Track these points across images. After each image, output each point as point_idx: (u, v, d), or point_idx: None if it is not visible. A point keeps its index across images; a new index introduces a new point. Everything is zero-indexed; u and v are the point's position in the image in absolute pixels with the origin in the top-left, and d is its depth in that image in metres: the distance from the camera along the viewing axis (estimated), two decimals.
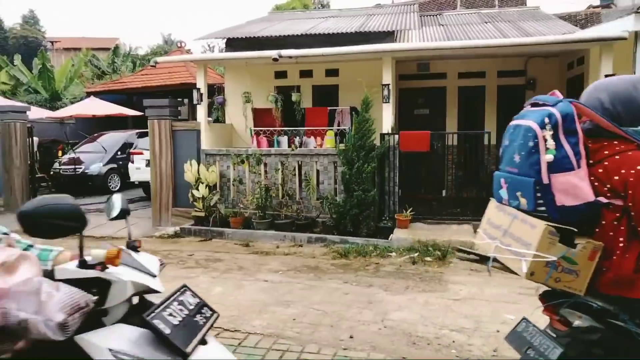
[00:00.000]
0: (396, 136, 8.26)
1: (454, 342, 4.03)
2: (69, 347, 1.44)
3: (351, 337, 4.14)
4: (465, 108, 10.94)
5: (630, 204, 1.63)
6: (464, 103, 10.93)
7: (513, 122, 1.91)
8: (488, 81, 10.75)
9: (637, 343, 1.60)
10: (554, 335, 1.81)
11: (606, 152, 1.71)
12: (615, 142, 1.71)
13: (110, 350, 1.48)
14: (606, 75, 7.58)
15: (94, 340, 1.49)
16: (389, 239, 7.40)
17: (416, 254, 6.77)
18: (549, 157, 1.66)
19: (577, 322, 1.74)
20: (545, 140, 1.67)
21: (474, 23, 12.38)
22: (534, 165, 1.70)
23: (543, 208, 1.71)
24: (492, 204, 2.14)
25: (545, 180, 1.68)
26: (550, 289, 1.83)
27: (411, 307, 4.85)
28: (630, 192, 1.62)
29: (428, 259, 6.62)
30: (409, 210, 7.89)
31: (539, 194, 1.70)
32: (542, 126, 1.68)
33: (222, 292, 5.39)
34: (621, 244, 1.66)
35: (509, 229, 1.89)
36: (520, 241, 1.79)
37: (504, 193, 1.92)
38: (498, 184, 1.99)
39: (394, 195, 8.27)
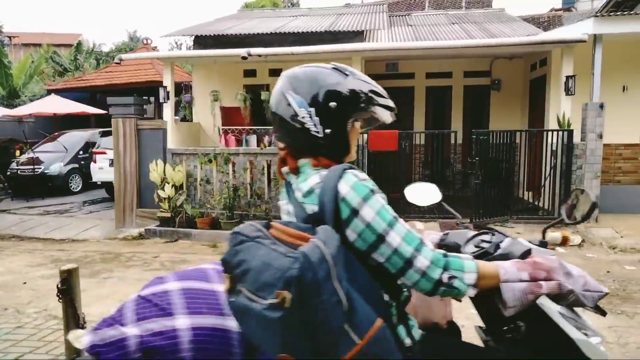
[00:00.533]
0: (365, 135, 8.29)
1: None
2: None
3: None
4: (432, 107, 11.09)
5: None
6: (431, 102, 11.08)
7: None
8: (455, 81, 10.93)
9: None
10: None
11: None
12: None
13: (560, 312, 1.53)
14: (568, 77, 7.82)
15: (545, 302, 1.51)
16: None
17: None
18: None
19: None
20: None
21: (442, 24, 12.57)
22: None
23: None
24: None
25: None
26: None
27: None
28: None
29: None
30: None
31: None
32: None
33: None
34: None
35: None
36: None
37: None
38: None
39: None
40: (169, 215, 8.40)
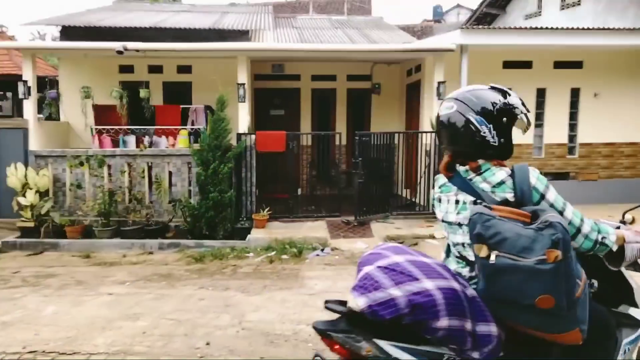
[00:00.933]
0: (253, 136, 8.20)
1: (310, 336, 4.08)
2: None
3: (207, 343, 3.95)
4: (318, 109, 11.34)
5: None
6: (317, 104, 11.32)
7: None
8: (339, 84, 11.30)
9: None
10: None
11: None
12: None
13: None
14: (439, 82, 8.49)
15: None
16: (247, 239, 7.30)
17: (273, 253, 6.78)
18: None
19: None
20: None
21: (326, 28, 12.92)
22: None
23: None
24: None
25: None
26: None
27: (269, 306, 4.81)
28: None
29: (285, 256, 6.67)
30: (266, 210, 7.89)
31: None
32: None
33: (56, 311, 4.74)
34: None
35: None
36: None
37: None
38: None
39: (251, 196, 8.20)
40: (32, 224, 7.50)
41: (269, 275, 5.88)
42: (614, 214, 8.05)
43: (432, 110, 8.65)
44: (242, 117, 8.37)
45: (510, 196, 1.80)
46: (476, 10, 16.29)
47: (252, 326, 4.31)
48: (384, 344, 1.68)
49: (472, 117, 1.85)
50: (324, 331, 1.75)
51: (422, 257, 1.86)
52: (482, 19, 15.97)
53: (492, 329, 1.73)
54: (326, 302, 1.90)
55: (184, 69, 10.37)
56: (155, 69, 10.28)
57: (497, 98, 1.89)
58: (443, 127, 1.92)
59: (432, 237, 7.51)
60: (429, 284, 1.69)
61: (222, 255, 6.71)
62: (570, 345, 1.74)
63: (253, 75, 10.58)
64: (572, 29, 8.62)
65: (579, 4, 12.59)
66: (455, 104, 1.90)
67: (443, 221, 2.03)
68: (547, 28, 8.63)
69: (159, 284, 5.59)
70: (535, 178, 1.81)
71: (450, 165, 1.97)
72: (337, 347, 1.73)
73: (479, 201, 1.84)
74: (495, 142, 1.86)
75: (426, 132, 8.56)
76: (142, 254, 7.02)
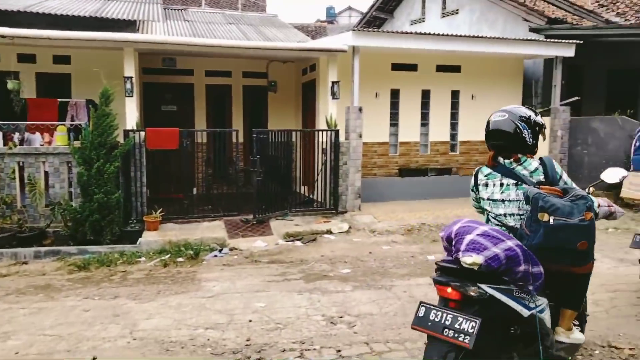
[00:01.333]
0: (142, 133, 7.72)
1: (208, 340, 3.95)
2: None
3: (94, 358, 3.63)
4: (214, 106, 11.03)
5: None
6: (212, 101, 11.00)
7: None
8: (234, 80, 11.09)
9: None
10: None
11: None
12: None
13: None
14: (333, 82, 8.70)
15: None
16: (138, 243, 6.87)
17: (168, 256, 6.46)
18: None
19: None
20: None
21: (219, 23, 12.60)
22: None
23: None
24: (631, 176, 4.39)
25: None
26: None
27: (163, 312, 4.57)
28: None
29: (180, 259, 6.39)
30: (159, 211, 7.49)
31: None
32: None
33: None
34: None
35: None
36: None
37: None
38: (638, 163, 4.54)
39: (142, 196, 7.73)
40: None
41: (163, 280, 5.59)
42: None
43: (327, 109, 8.85)
44: (129, 113, 7.84)
45: (542, 178, 2.79)
46: (366, 14, 17.00)
47: (145, 335, 4.06)
48: (484, 286, 2.50)
49: (519, 123, 2.78)
50: (445, 282, 2.58)
51: (494, 227, 2.69)
52: (372, 22, 16.72)
53: (541, 269, 2.57)
54: (437, 263, 2.71)
55: (62, 59, 9.44)
56: (27, 58, 9.22)
57: (532, 114, 2.84)
58: (496, 129, 2.84)
59: (330, 232, 7.69)
60: (511, 243, 2.51)
61: (110, 262, 6.24)
62: (582, 274, 2.90)
63: (141, 69, 9.98)
64: (452, 35, 9.36)
65: (457, 13, 13.71)
66: (506, 114, 2.81)
67: (488, 199, 2.93)
68: (430, 34, 9.26)
69: (36, 297, 5.03)
70: (558, 166, 2.88)
71: (495, 158, 2.92)
72: (451, 290, 2.54)
73: (519, 183, 2.80)
74: (530, 142, 2.82)
75: (323, 131, 8.73)
76: (13, 264, 6.26)
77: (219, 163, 9.06)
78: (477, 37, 9.66)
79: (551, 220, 2.51)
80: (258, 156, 7.89)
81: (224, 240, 7.14)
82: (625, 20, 12.40)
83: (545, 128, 2.90)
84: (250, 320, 4.33)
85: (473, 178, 3.08)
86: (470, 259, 2.44)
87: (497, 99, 10.82)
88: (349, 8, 30.14)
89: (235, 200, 8.41)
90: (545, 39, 10.27)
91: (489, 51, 9.61)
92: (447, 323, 2.46)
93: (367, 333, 4.05)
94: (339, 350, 3.74)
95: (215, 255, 6.59)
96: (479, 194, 3.01)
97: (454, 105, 10.58)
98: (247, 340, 3.93)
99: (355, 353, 3.70)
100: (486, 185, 2.92)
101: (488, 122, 2.89)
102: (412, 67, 10.12)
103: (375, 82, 9.77)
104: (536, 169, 2.81)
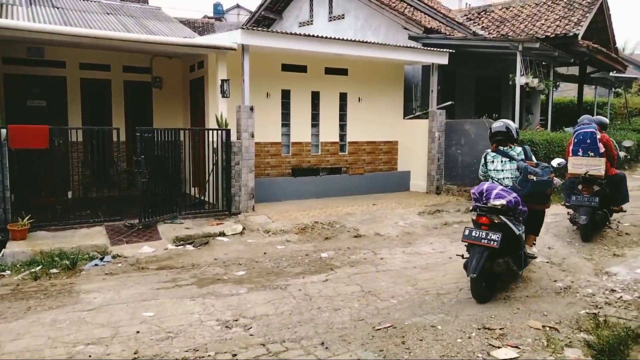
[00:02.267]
0: (4, 130, 6.82)
1: (90, 356, 3.61)
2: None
3: None
4: (90, 102, 10.13)
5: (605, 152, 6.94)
6: (88, 96, 10.10)
7: (579, 130, 7.07)
8: (114, 75, 10.30)
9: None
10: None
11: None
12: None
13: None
14: (223, 80, 8.49)
15: None
16: (1, 255, 6.06)
17: (38, 268, 5.79)
18: (601, 145, 6.91)
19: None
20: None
21: (95, 12, 11.64)
22: (596, 144, 6.87)
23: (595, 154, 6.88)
24: (572, 159, 7.02)
25: (601, 149, 6.88)
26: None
27: (35, 330, 4.07)
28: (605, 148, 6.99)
29: (54, 270, 5.77)
30: (27, 218, 6.68)
31: (596, 152, 6.89)
32: (595, 131, 6.96)
33: None
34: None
35: (588, 163, 6.90)
36: (595, 164, 6.87)
37: (581, 153, 6.95)
38: (576, 152, 6.98)
39: (5, 202, 6.83)
40: None
41: (34, 295, 4.99)
42: (377, 202, 9.32)
43: (217, 107, 8.61)
44: None
45: (523, 157, 5.17)
46: (255, 13, 16.90)
47: (12, 358, 3.58)
48: (502, 217, 4.65)
49: (512, 127, 5.27)
50: (482, 214, 4.72)
51: (503, 187, 4.94)
52: (261, 22, 16.66)
53: (525, 209, 4.84)
54: (474, 207, 4.85)
55: None
56: None
57: (514, 123, 5.36)
58: (497, 131, 5.26)
59: (223, 234, 7.49)
60: (514, 194, 4.76)
61: None
62: (543, 211, 5.33)
63: (1, 58, 8.83)
64: (339, 39, 9.66)
65: (343, 18, 14.22)
66: (503, 123, 5.29)
67: (494, 169, 5.28)
68: (318, 36, 9.47)
69: None
70: (529, 150, 5.28)
71: (496, 146, 5.28)
72: (484, 219, 4.69)
73: (511, 160, 5.17)
74: (515, 137, 5.27)
75: (213, 130, 8.48)
76: None
77: (98, 164, 8.32)
78: (363, 42, 10.09)
79: (534, 179, 4.97)
80: (143, 156, 7.41)
81: (105, 247, 6.59)
82: (489, 33, 13.87)
83: (519, 130, 5.54)
84: (137, 332, 4.03)
85: (482, 158, 5.47)
86: (499, 202, 4.67)
87: (382, 101, 11.44)
88: (237, 6, 29.70)
89: (118, 204, 7.80)
90: (422, 47, 11.07)
91: (374, 56, 10.11)
92: (482, 236, 4.63)
93: (263, 334, 4.00)
94: (235, 355, 3.64)
95: (96, 264, 6.06)
96: (486, 167, 5.41)
97: (342, 107, 10.95)
98: (135, 353, 3.66)
99: (252, 356, 3.63)
100: (492, 161, 5.34)
101: (491, 128, 5.35)
102: (302, 69, 10.27)
103: (266, 82, 9.74)
104: (519, 152, 5.24)
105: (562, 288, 5.10)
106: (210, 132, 8.51)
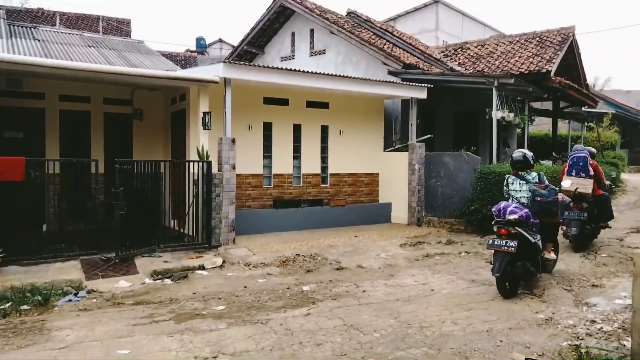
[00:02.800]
0: None
1: None
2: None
3: None
4: (69, 133, 10.02)
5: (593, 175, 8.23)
6: (67, 128, 9.99)
7: (574, 154, 8.37)
8: (94, 107, 10.25)
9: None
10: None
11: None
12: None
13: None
14: (204, 113, 8.51)
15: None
16: None
17: (8, 304, 5.55)
18: (591, 169, 8.20)
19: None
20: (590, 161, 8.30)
21: (77, 45, 11.67)
22: (587, 167, 8.13)
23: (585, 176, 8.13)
24: (565, 178, 8.22)
25: (591, 172, 8.15)
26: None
27: None
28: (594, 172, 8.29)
29: (25, 307, 5.54)
30: None
31: (586, 174, 8.14)
32: (587, 157, 8.25)
33: None
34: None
35: (578, 182, 8.03)
36: (584, 184, 8.03)
37: (574, 173, 8.15)
38: (570, 172, 8.20)
39: None
40: None
41: (2, 333, 4.77)
42: (359, 234, 9.33)
43: (198, 139, 8.60)
44: None
45: (537, 180, 6.32)
46: (237, 47, 17.15)
47: None
48: (518, 228, 5.82)
49: (529, 156, 6.48)
50: (501, 226, 5.88)
51: (516, 204, 6.14)
52: (243, 56, 16.90)
53: (537, 221, 6.11)
54: (495, 222, 6.01)
55: None
56: None
57: (530, 152, 6.62)
58: (518, 160, 6.43)
59: (202, 267, 7.35)
60: (526, 210, 5.97)
61: None
62: (555, 223, 6.71)
63: None
64: (320, 73, 9.85)
65: (324, 53, 14.53)
66: (522, 152, 6.53)
67: (513, 190, 6.42)
68: (300, 70, 9.63)
69: None
70: (543, 175, 6.45)
71: (516, 172, 6.42)
72: (503, 230, 5.85)
73: (527, 182, 6.30)
74: (531, 164, 6.48)
75: (194, 162, 8.43)
76: None
77: (75, 196, 8.16)
78: (343, 76, 10.30)
79: (540, 199, 6.19)
80: (121, 188, 7.30)
81: (80, 282, 6.39)
82: (465, 69, 14.31)
83: (534, 158, 6.76)
84: None
85: (505, 180, 6.60)
86: (513, 217, 5.82)
87: (362, 134, 11.59)
88: (220, 40, 30.14)
89: (94, 237, 7.62)
90: (402, 82, 11.34)
91: (354, 90, 10.30)
92: (502, 244, 5.77)
93: None
94: None
95: (70, 300, 5.85)
96: (508, 187, 6.51)
97: (324, 140, 11.05)
98: None
99: None
100: (512, 183, 6.45)
101: (512, 156, 6.57)
102: (284, 102, 10.39)
103: (248, 115, 9.80)
104: (534, 177, 6.38)
105: (543, 319, 5.10)
106: (191, 164, 8.46)
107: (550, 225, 6.45)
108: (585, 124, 20.61)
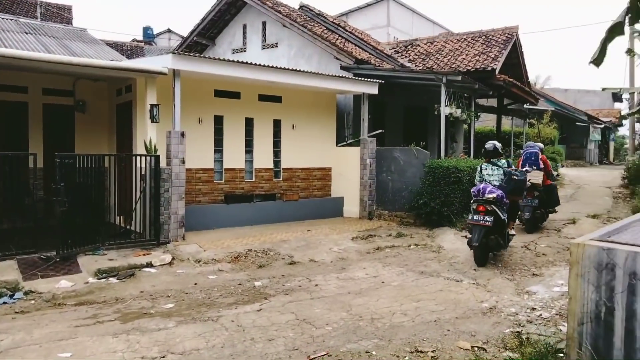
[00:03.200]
0: None
1: None
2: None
3: None
4: (4, 125, 9.41)
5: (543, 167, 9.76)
6: (2, 119, 9.38)
7: (527, 150, 9.87)
8: (32, 97, 9.67)
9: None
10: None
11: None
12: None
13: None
14: (152, 105, 8.23)
15: None
16: None
17: None
18: (541, 162, 9.77)
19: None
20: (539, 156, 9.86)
21: (12, 31, 10.99)
22: (538, 161, 9.63)
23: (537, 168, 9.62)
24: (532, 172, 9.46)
25: (541, 165, 9.68)
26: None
27: None
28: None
29: None
30: None
31: (537, 167, 9.62)
32: (538, 152, 9.79)
33: None
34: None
35: (531, 174, 9.27)
36: (535, 175, 9.45)
37: (527, 167, 9.45)
38: (524, 165, 9.53)
39: None
40: None
41: None
42: (312, 228, 9.35)
43: (146, 133, 8.31)
44: None
45: (506, 165, 7.54)
46: (187, 38, 16.69)
47: None
48: (493, 206, 6.95)
49: (498, 146, 7.65)
50: (480, 204, 6.99)
51: (492, 186, 7.25)
52: (193, 47, 16.47)
53: (507, 201, 7.26)
54: (474, 200, 7.12)
55: None
56: None
57: (499, 143, 7.77)
58: (489, 150, 7.58)
59: (150, 265, 7.12)
60: (500, 191, 7.12)
61: None
62: (518, 201, 8.09)
63: None
64: (273, 67, 9.74)
65: (277, 47, 14.40)
66: (493, 143, 7.66)
67: (486, 174, 7.53)
68: (252, 63, 9.49)
69: None
70: (510, 161, 7.84)
71: (488, 159, 7.59)
72: (481, 207, 6.96)
73: (497, 168, 7.44)
74: (501, 152, 7.68)
75: (141, 156, 8.14)
76: None
77: (11, 192, 7.68)
78: (296, 70, 10.25)
79: (516, 178, 7.28)
80: (62, 184, 6.94)
81: (16, 282, 6.03)
82: (415, 65, 14.61)
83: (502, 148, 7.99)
84: None
85: (478, 167, 7.71)
86: (491, 195, 6.91)
87: (315, 129, 11.60)
88: (169, 30, 29.23)
89: (33, 236, 7.20)
90: (354, 77, 11.43)
91: (307, 84, 10.28)
92: (481, 219, 6.81)
93: None
94: None
95: (5, 302, 5.51)
96: (481, 173, 7.56)
97: (277, 134, 10.98)
98: None
99: None
100: (486, 169, 7.52)
101: (485, 147, 7.63)
102: (236, 95, 10.22)
103: (198, 108, 9.57)
104: (504, 163, 7.51)
105: (488, 308, 5.31)
106: (138, 158, 8.17)
107: (514, 206, 7.75)
108: (527, 120, 21.60)
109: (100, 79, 9.87)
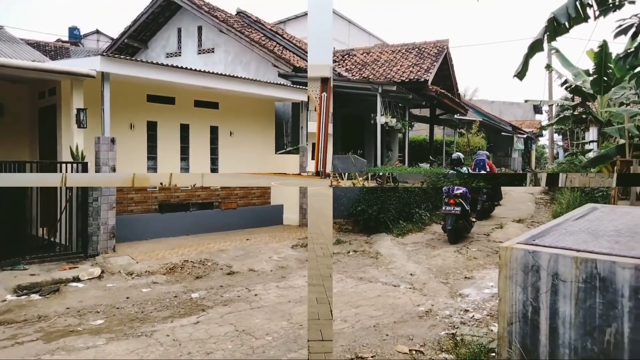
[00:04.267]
0: None
1: None
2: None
3: None
4: None
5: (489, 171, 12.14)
6: None
7: (477, 157, 12.36)
8: None
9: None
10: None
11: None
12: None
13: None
14: (79, 109, 7.78)
15: None
16: None
17: None
18: (488, 167, 12.21)
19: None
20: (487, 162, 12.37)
21: None
22: (485, 166, 11.95)
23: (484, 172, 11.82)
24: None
25: (488, 169, 12.06)
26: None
27: None
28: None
29: None
30: None
31: (484, 170, 11.92)
32: (485, 159, 12.28)
33: None
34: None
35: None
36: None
37: (477, 170, 11.71)
38: (475, 169, 11.91)
39: None
40: None
41: None
42: (251, 237, 9.21)
43: (72, 139, 7.83)
44: None
45: (466, 171, 10.23)
46: (117, 40, 16.02)
47: None
48: (460, 200, 9.20)
49: (461, 157, 10.29)
50: (451, 197, 9.22)
51: (459, 186, 9.34)
52: (124, 50, 15.81)
53: (470, 196, 9.72)
54: (445, 194, 9.44)
55: None
56: None
57: (462, 155, 10.56)
58: (455, 159, 10.23)
59: (77, 279, 6.69)
60: (465, 188, 9.46)
61: None
62: (478, 198, 11.20)
63: None
64: (209, 72, 9.55)
65: (213, 52, 14.16)
66: (458, 154, 10.37)
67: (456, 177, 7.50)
68: (187, 68, 9.25)
69: None
70: (469, 169, 11.41)
71: (453, 168, 10.20)
72: (452, 200, 9.18)
73: (464, 174, 6.90)
74: (463, 162, 10.29)
75: (67, 163, 7.66)
76: None
77: None
78: (233, 76, 10.11)
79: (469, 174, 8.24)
80: None
81: None
82: (352, 75, 14.91)
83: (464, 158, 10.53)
84: None
85: (446, 173, 9.28)
86: (458, 191, 9.28)
87: (253, 136, 11.49)
88: (97, 32, 27.85)
89: None
90: (292, 85, 11.46)
91: (244, 91, 10.17)
92: (452, 208, 9.11)
93: None
94: None
95: None
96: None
97: (214, 141, 10.75)
98: None
99: None
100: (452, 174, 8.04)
101: (451, 157, 10.49)
102: (170, 100, 9.91)
103: (129, 113, 9.17)
104: (467, 170, 10.30)
105: (424, 312, 5.47)
106: (64, 165, 7.67)
107: (475, 200, 10.33)
108: (458, 130, 22.68)
109: (20, 80, 9.18)
